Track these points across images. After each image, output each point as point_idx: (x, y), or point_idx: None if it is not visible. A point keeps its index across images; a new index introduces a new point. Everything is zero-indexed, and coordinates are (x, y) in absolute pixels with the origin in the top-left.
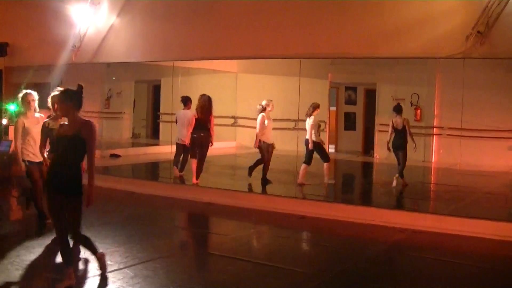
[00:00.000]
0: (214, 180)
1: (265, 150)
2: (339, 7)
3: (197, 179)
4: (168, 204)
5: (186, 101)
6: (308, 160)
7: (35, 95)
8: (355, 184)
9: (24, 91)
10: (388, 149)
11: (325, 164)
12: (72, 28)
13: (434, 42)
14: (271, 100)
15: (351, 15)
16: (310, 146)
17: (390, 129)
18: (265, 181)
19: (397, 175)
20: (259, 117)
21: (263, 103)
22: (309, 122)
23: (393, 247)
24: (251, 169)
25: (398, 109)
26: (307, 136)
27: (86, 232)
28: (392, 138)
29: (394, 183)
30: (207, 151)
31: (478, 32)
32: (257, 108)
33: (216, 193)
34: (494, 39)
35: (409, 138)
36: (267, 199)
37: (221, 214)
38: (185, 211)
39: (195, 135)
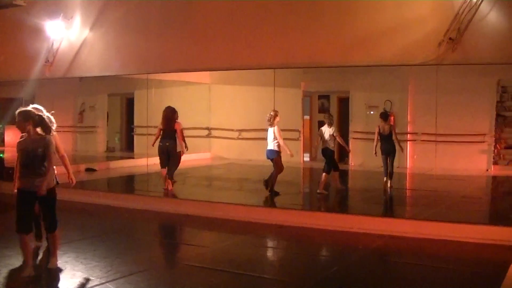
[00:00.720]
0: (191, 192)
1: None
2: (312, 17)
3: (169, 186)
4: (146, 217)
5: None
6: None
7: None
8: (332, 191)
9: None
10: (375, 153)
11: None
12: (45, 43)
13: (407, 49)
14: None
15: (325, 25)
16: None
17: (376, 135)
18: (275, 193)
19: (385, 178)
20: (277, 129)
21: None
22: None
23: (372, 254)
24: (269, 182)
25: (385, 116)
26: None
27: (65, 247)
28: (378, 144)
29: (389, 184)
30: (175, 159)
31: (450, 38)
32: (270, 118)
33: (194, 205)
34: (466, 45)
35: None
36: (245, 209)
37: (199, 225)
38: (163, 224)
39: (161, 144)
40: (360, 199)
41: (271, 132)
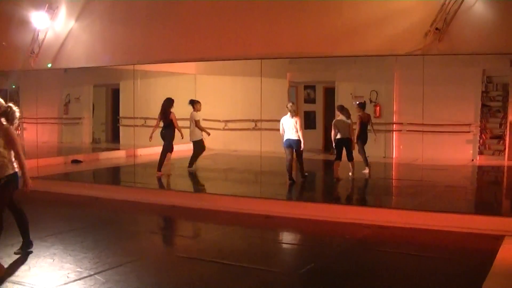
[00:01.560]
0: (178, 183)
1: None
2: (299, 6)
3: (158, 170)
4: (133, 208)
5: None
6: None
7: None
8: (318, 182)
9: None
10: (356, 142)
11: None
12: (30, 34)
13: (394, 39)
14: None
15: (311, 14)
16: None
17: (358, 125)
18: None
19: (367, 167)
20: (299, 120)
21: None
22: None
23: (360, 243)
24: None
25: (363, 106)
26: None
27: (52, 239)
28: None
29: (367, 171)
30: (168, 144)
31: (436, 29)
32: (290, 109)
33: (180, 196)
34: (452, 35)
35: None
36: (232, 200)
37: (186, 216)
38: (150, 215)
39: (162, 132)
40: (346, 189)
41: (291, 123)
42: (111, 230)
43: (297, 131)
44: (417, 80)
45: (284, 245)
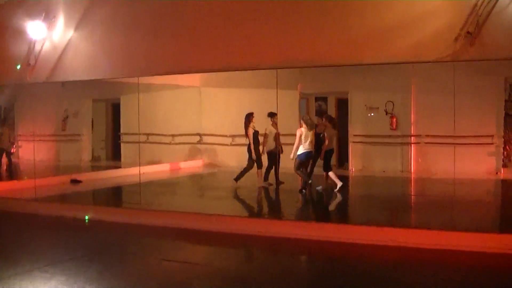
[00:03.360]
0: (187, 203)
1: None
2: (317, 13)
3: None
4: (140, 232)
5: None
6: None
7: None
8: (333, 200)
9: None
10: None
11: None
12: (26, 45)
13: (421, 45)
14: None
15: (331, 21)
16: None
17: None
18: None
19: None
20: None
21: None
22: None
23: (392, 268)
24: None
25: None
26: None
27: (52, 269)
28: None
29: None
30: (249, 159)
31: (468, 32)
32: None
33: (192, 218)
34: (485, 39)
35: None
36: (244, 221)
37: (199, 241)
38: (157, 239)
39: None
40: (365, 207)
41: (309, 134)
42: (116, 258)
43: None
44: (435, 90)
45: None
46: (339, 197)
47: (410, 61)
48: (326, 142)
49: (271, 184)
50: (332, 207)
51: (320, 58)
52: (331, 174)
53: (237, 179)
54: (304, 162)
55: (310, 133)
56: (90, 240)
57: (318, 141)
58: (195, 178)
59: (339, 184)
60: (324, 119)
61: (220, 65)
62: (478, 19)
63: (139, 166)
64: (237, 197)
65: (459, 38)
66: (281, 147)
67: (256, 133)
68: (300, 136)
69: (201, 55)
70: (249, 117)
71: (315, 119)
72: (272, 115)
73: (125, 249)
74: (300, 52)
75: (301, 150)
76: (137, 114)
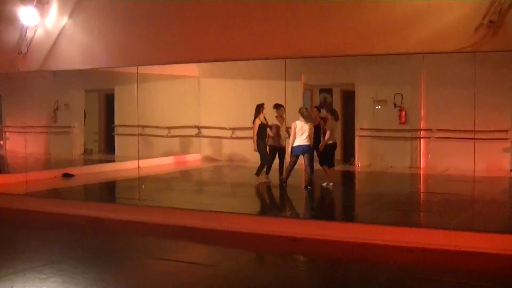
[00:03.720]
0: (186, 199)
1: None
2: (329, 2)
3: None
4: (138, 231)
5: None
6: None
7: None
8: (343, 197)
9: None
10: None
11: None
12: (17, 32)
13: (439, 35)
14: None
15: (344, 8)
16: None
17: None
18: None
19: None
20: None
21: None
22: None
23: (407, 271)
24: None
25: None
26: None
27: (49, 270)
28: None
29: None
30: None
31: (491, 21)
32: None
33: (192, 215)
34: (509, 28)
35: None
36: (251, 220)
37: (202, 240)
38: (159, 238)
39: None
40: (376, 205)
41: (305, 128)
42: (117, 258)
43: (309, 138)
44: (447, 82)
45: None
46: (343, 194)
47: (426, 52)
48: (327, 135)
49: (270, 182)
50: (337, 204)
51: (331, 49)
52: (325, 168)
53: (257, 173)
54: (296, 156)
55: (308, 126)
56: (87, 239)
57: (317, 134)
58: (191, 173)
59: (330, 181)
60: (325, 111)
61: (226, 55)
62: (502, 7)
63: (138, 160)
64: (234, 193)
65: (481, 28)
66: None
67: (263, 126)
68: (295, 129)
69: (203, 44)
70: (259, 108)
71: (314, 112)
72: (277, 106)
73: (124, 248)
74: (310, 42)
75: (296, 143)
76: (132, 105)
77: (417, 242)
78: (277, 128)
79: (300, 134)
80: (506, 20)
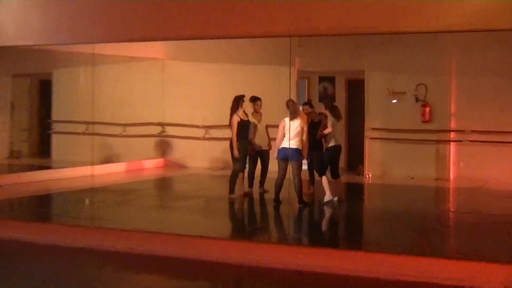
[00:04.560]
0: (141, 219)
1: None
2: None
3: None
4: (89, 259)
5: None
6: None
7: None
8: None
9: None
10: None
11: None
12: None
13: (483, 9)
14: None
15: None
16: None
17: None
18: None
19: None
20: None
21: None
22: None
23: None
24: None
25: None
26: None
27: None
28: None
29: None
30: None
31: None
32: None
33: (162, 240)
34: None
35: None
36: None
37: (159, 269)
38: (98, 268)
39: None
40: (393, 228)
41: (293, 126)
42: None
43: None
44: (486, 70)
45: None
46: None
47: (471, 30)
48: (329, 128)
49: (248, 194)
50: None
51: (350, 25)
52: (323, 180)
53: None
54: (282, 162)
55: (296, 125)
56: (22, 271)
57: (312, 135)
58: (151, 184)
59: (328, 195)
60: (323, 106)
61: (214, 31)
62: None
63: (92, 165)
64: (208, 210)
65: None
66: (270, 144)
67: (244, 123)
68: (283, 128)
69: (174, 17)
70: (238, 101)
71: (307, 107)
72: (254, 100)
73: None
74: (320, 17)
75: (282, 145)
76: (75, 95)
77: (457, 278)
78: (256, 127)
79: (288, 134)
80: None
